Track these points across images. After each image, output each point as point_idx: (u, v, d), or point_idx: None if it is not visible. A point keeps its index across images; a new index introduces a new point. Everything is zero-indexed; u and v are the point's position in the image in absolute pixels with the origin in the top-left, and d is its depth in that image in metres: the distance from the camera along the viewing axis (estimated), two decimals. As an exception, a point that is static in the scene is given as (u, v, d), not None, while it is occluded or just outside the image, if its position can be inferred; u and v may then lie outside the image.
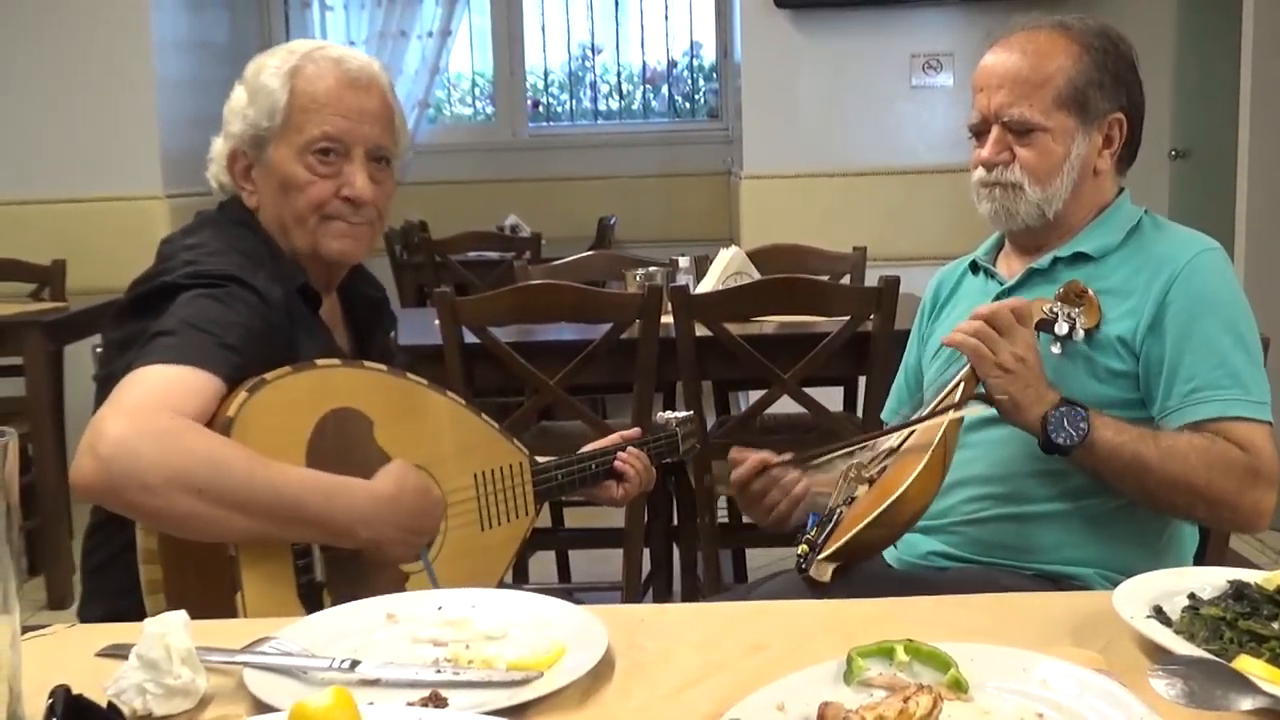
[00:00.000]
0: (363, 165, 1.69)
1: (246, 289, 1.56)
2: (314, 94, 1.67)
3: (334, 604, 1.37)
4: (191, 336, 1.47)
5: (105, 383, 1.59)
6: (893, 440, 1.73)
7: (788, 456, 1.81)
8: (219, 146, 1.73)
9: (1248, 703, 0.94)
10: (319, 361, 1.58)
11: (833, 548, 1.55)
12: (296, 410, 1.51)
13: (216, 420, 1.43)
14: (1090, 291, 1.70)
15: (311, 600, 1.47)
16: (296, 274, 1.68)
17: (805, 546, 1.60)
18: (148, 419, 1.38)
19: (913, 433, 1.69)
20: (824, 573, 1.54)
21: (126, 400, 1.40)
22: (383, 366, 1.67)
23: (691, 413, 2.14)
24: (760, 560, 3.47)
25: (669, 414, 2.10)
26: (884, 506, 1.54)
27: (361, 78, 1.70)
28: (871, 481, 1.67)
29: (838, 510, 1.64)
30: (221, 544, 1.43)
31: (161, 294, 1.56)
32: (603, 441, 1.98)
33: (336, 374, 1.59)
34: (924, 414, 1.69)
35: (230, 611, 1.40)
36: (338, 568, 1.51)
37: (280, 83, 1.67)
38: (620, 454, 1.92)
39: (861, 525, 1.54)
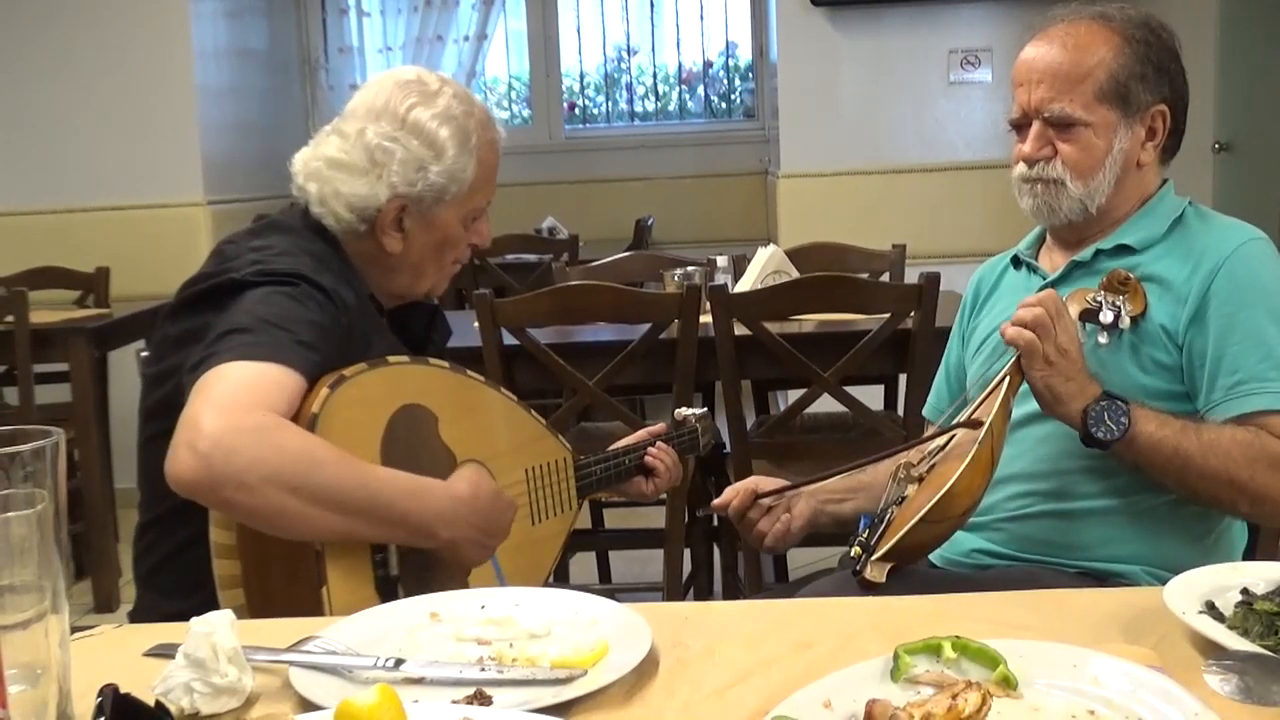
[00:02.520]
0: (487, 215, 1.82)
1: (315, 288, 1.57)
2: (490, 165, 1.76)
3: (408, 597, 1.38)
4: (270, 333, 1.48)
5: (160, 379, 1.62)
6: (940, 439, 1.72)
7: (777, 486, 1.82)
8: (358, 188, 1.67)
9: (1305, 698, 0.92)
10: (390, 358, 1.60)
11: (885, 548, 1.54)
12: (372, 406, 1.54)
13: (301, 416, 1.45)
14: (1134, 278, 1.67)
15: (388, 595, 1.49)
16: (364, 286, 1.71)
17: (858, 549, 1.58)
18: (242, 415, 1.38)
19: (952, 438, 1.67)
20: (878, 574, 1.53)
21: (218, 396, 1.40)
22: (444, 363, 1.70)
23: (705, 410, 2.15)
24: (801, 560, 3.46)
25: (686, 410, 2.11)
26: (932, 502, 1.52)
27: (502, 138, 1.79)
28: (921, 480, 1.66)
29: (889, 511, 1.63)
30: (306, 540, 1.44)
31: (228, 290, 1.57)
32: (630, 438, 2.02)
33: (406, 370, 1.62)
34: (961, 419, 1.69)
35: (314, 606, 1.42)
36: (410, 562, 1.53)
37: (469, 157, 1.71)
38: (650, 449, 1.97)
39: (911, 523, 1.53)
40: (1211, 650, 1.06)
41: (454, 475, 1.58)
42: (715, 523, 3.34)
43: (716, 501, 1.86)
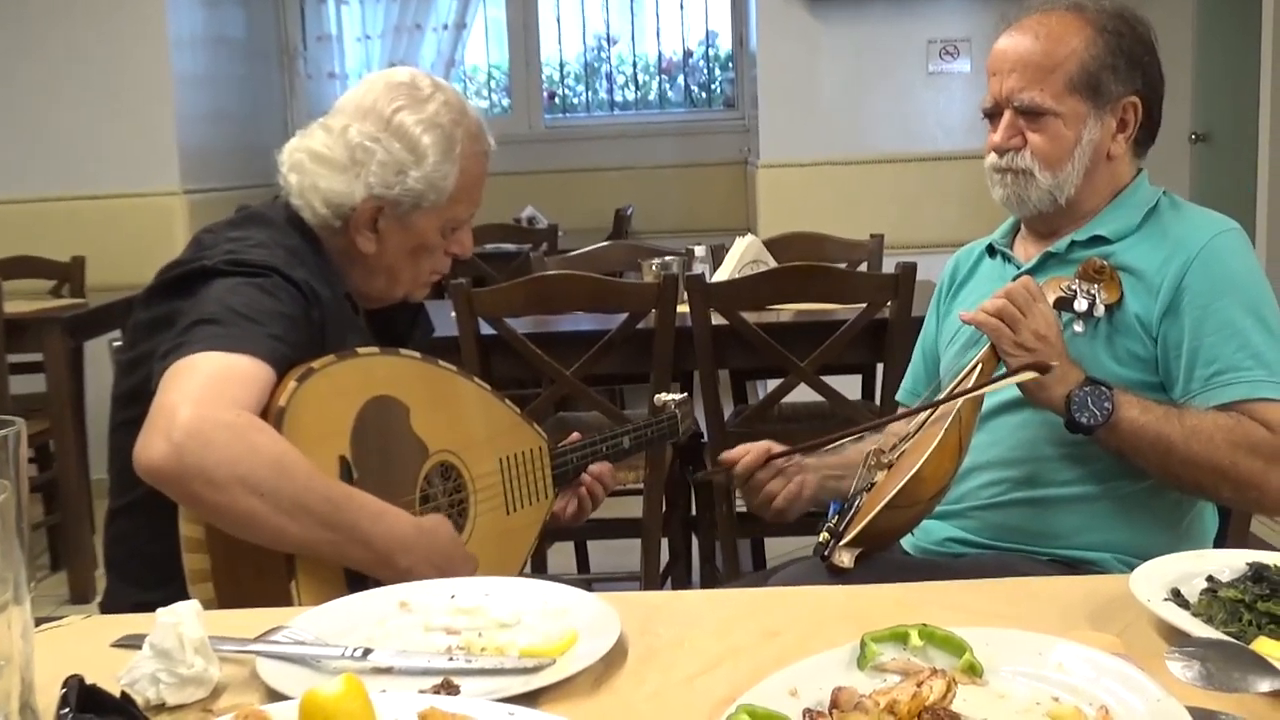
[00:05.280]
0: (470, 226, 1.81)
1: (286, 281, 1.57)
2: (474, 176, 1.75)
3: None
4: (241, 325, 1.48)
5: (132, 365, 1.61)
6: (911, 425, 1.72)
7: (787, 448, 1.81)
8: (335, 185, 1.67)
9: (1265, 685, 0.93)
10: (360, 350, 1.60)
11: (853, 533, 1.54)
12: (341, 398, 1.53)
13: (269, 410, 1.44)
14: (1109, 266, 1.68)
15: (358, 589, 1.47)
16: (340, 282, 1.70)
17: (826, 534, 1.59)
18: (219, 410, 1.38)
19: (929, 416, 1.68)
20: (846, 559, 1.53)
21: (193, 387, 1.40)
22: (416, 354, 1.70)
23: (686, 394, 2.13)
24: (779, 549, 3.47)
25: (666, 396, 2.10)
26: (899, 487, 1.53)
27: (490, 149, 1.78)
28: (890, 466, 1.66)
29: (858, 497, 1.64)
30: (264, 545, 1.43)
31: (198, 277, 1.56)
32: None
33: (375, 362, 1.62)
34: (940, 398, 1.69)
35: (284, 600, 1.41)
36: None
37: (451, 165, 1.70)
38: (591, 469, 1.91)
39: (879, 508, 1.53)
40: (1176, 637, 1.07)
41: (423, 517, 1.57)
42: (693, 512, 3.34)
43: (727, 454, 1.83)
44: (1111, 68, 1.73)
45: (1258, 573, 1.17)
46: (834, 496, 1.84)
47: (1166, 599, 1.15)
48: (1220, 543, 1.82)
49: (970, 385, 1.64)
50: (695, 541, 3.39)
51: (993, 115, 1.79)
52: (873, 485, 1.65)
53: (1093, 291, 1.66)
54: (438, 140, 1.69)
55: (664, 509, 3.08)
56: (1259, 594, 1.13)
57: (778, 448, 1.82)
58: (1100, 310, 1.66)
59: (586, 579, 3.48)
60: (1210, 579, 1.18)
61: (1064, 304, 1.66)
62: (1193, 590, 1.17)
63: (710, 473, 1.84)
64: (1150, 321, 1.68)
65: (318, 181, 1.67)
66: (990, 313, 1.63)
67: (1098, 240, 1.76)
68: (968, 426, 1.61)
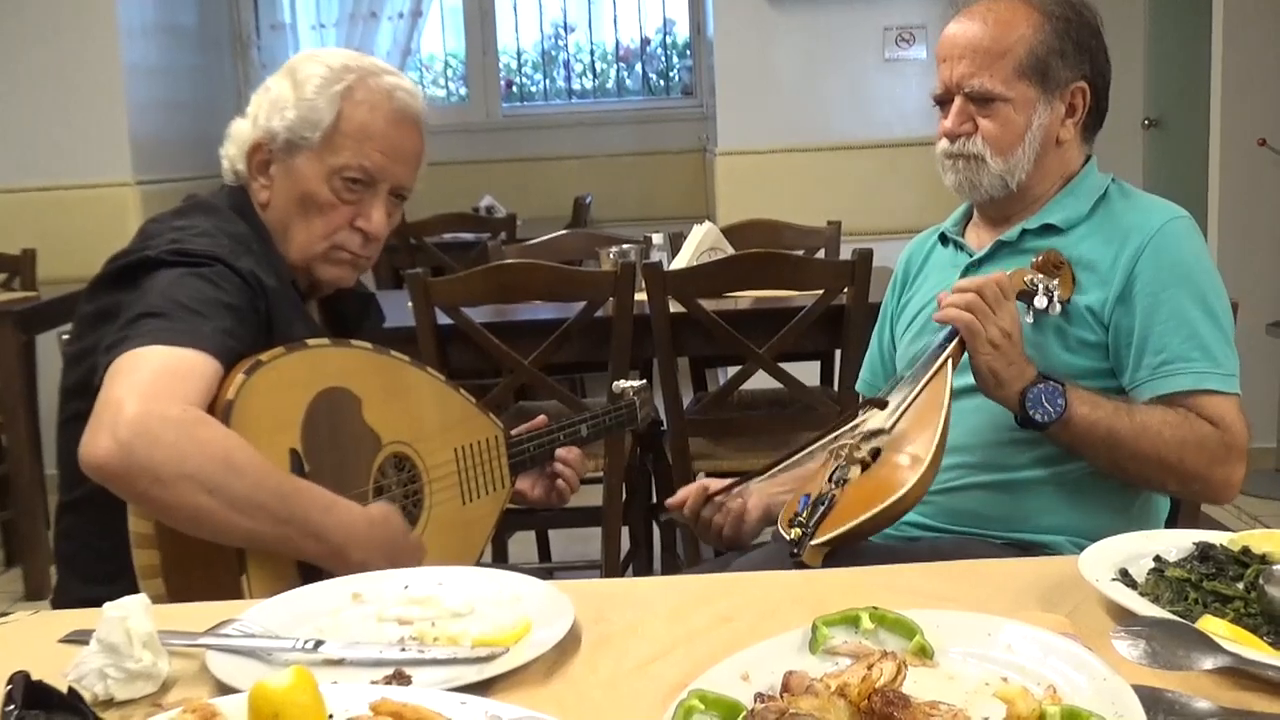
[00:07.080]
0: (383, 201, 1.71)
1: (230, 270, 1.55)
2: (361, 123, 1.66)
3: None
4: (186, 318, 1.46)
5: (78, 358, 1.59)
6: (883, 421, 1.70)
7: (727, 483, 1.81)
8: (242, 130, 1.70)
9: (1209, 662, 0.94)
10: (309, 341, 1.58)
11: (828, 535, 1.52)
12: (290, 390, 1.52)
13: (216, 403, 1.43)
14: (1067, 261, 1.70)
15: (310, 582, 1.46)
16: (286, 270, 1.68)
17: (797, 530, 1.57)
18: (166, 405, 1.36)
19: (908, 407, 1.67)
20: (815, 558, 1.52)
21: (139, 382, 1.38)
22: (368, 344, 1.68)
23: (645, 381, 2.13)
24: (740, 536, 3.47)
25: (625, 383, 2.10)
26: (886, 504, 1.51)
27: (408, 116, 1.70)
28: (865, 465, 1.64)
29: (830, 493, 1.61)
30: (214, 541, 1.42)
31: (141, 268, 1.54)
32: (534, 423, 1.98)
33: (326, 353, 1.60)
34: (904, 394, 1.68)
35: (235, 593, 1.40)
36: None
37: (329, 101, 1.65)
38: (559, 452, 1.92)
39: (861, 519, 1.51)
40: (1123, 617, 1.08)
41: (371, 505, 1.55)
42: (654, 499, 3.34)
43: (671, 500, 1.84)
44: (1060, 53, 1.74)
45: (1204, 552, 1.19)
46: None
47: (1114, 579, 1.16)
48: (1172, 525, 1.84)
49: (947, 386, 1.62)
50: (656, 529, 3.39)
51: (943, 102, 1.79)
52: (845, 481, 1.62)
53: (1051, 287, 1.67)
54: (319, 74, 1.67)
55: (624, 497, 3.08)
56: (1205, 573, 1.14)
57: (715, 484, 1.82)
58: (1056, 309, 1.67)
59: (547, 568, 3.47)
60: (1157, 559, 1.20)
61: (1025, 297, 1.68)
62: (1140, 570, 1.18)
63: (669, 517, 1.86)
64: (1103, 311, 1.69)
65: (233, 132, 1.70)
66: (960, 306, 1.63)
67: (1048, 229, 1.77)
68: (948, 427, 1.61)
